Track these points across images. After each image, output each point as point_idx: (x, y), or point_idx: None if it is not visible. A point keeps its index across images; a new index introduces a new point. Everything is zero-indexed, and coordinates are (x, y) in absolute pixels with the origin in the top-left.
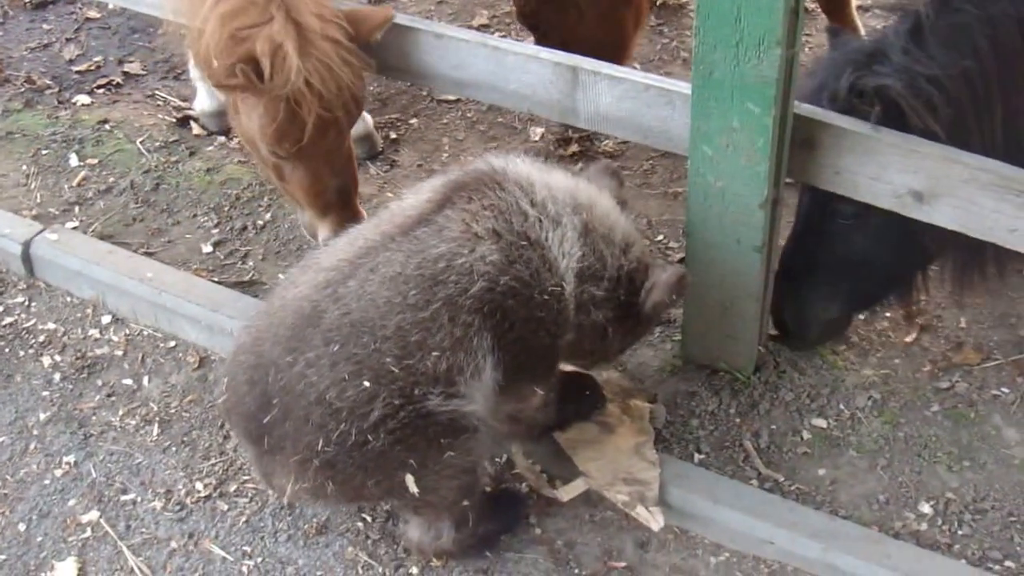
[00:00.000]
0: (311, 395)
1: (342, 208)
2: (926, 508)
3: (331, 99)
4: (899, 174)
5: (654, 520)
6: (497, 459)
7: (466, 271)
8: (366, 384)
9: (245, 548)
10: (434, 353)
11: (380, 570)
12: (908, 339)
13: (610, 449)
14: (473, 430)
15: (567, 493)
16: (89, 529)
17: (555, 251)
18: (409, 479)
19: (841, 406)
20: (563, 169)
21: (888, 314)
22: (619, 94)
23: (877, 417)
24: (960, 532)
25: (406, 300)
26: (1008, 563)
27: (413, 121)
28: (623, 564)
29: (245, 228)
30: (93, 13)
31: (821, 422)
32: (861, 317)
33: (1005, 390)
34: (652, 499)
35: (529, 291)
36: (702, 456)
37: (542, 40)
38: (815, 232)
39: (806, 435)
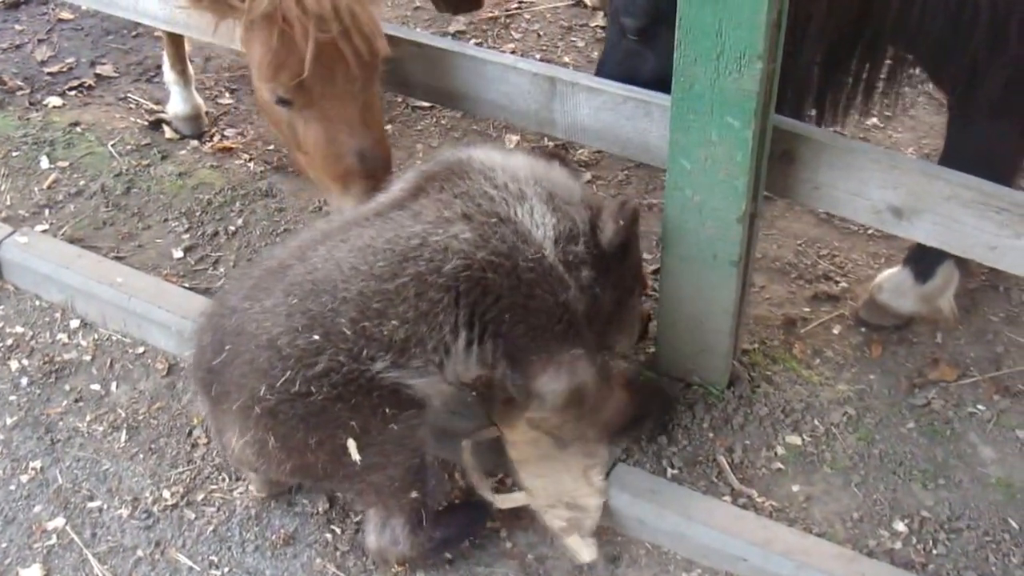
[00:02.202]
0: (261, 338)
1: (367, 179)
2: (901, 526)
3: (328, 20)
4: (879, 189)
5: (585, 551)
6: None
7: (440, 248)
8: (315, 337)
9: (212, 558)
10: (392, 322)
11: None
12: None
13: (558, 468)
14: (419, 408)
15: (504, 502)
16: (55, 536)
17: (527, 223)
18: (351, 444)
19: (816, 422)
20: (518, 151)
21: (862, 329)
22: (597, 105)
23: (852, 433)
24: (935, 551)
25: (371, 270)
26: None
27: (387, 127)
28: None
29: (216, 234)
30: (66, 14)
31: (795, 438)
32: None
33: (981, 407)
34: (589, 528)
35: (511, 262)
36: (675, 471)
37: None
38: (615, 48)
39: (780, 451)
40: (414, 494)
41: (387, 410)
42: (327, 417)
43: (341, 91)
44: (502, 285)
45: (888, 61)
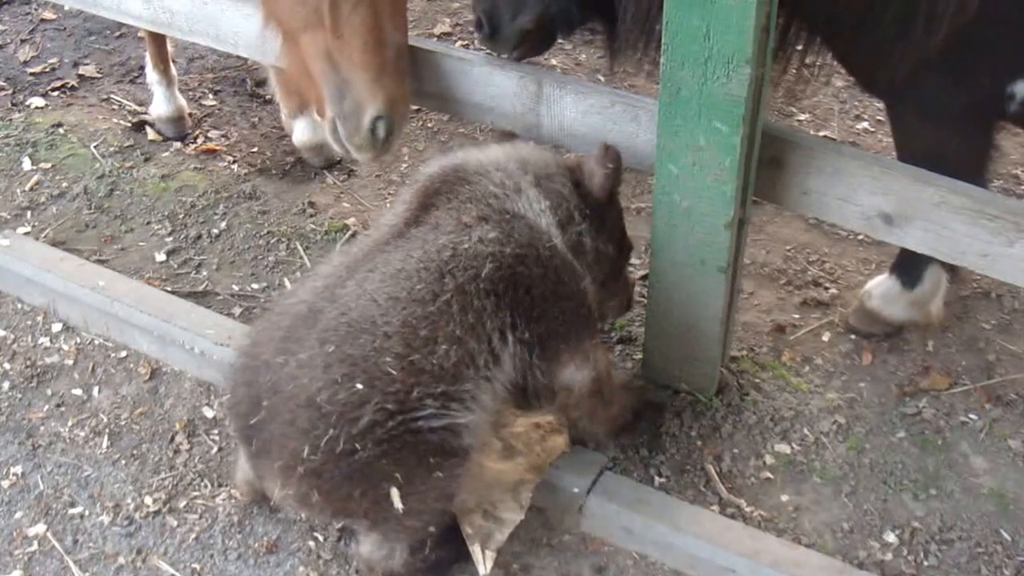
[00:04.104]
0: (300, 397)
1: (398, 74)
2: (891, 537)
3: None
4: (869, 196)
5: (483, 564)
6: None
7: (472, 255)
8: (358, 386)
9: (194, 565)
10: (443, 347)
11: None
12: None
13: (493, 475)
14: (463, 455)
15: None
16: (35, 543)
17: (532, 215)
18: (395, 493)
19: (805, 430)
20: (494, 143)
21: (852, 336)
22: (584, 109)
23: (842, 442)
24: (926, 563)
25: (411, 295)
26: None
27: None
28: None
29: (200, 237)
30: (49, 14)
31: (784, 447)
32: (564, 41)
33: (973, 416)
34: (497, 543)
35: (534, 252)
36: (662, 480)
37: None
38: None
39: (769, 460)
40: (431, 529)
41: (432, 459)
42: (372, 471)
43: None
44: (532, 275)
45: (799, 46)
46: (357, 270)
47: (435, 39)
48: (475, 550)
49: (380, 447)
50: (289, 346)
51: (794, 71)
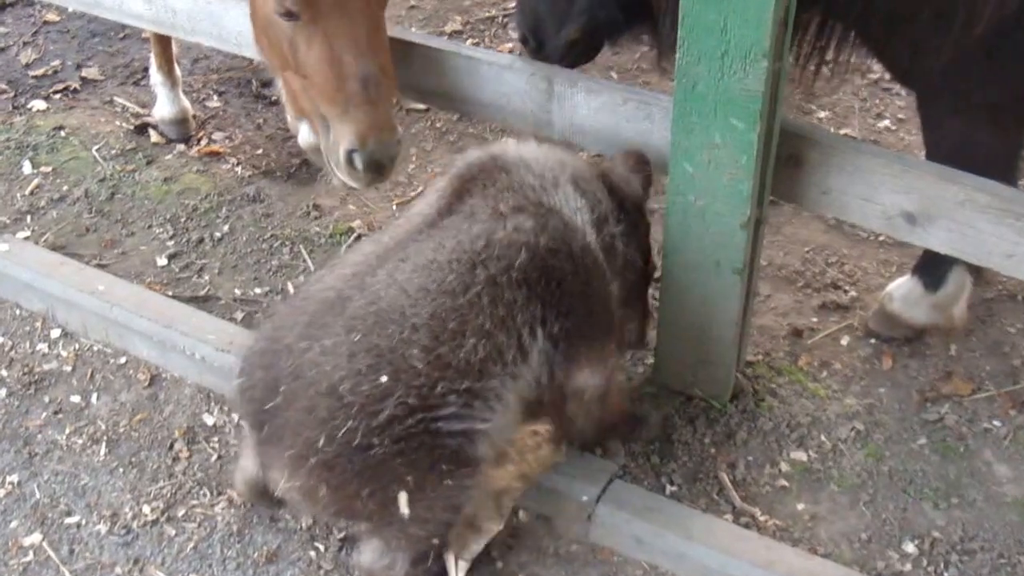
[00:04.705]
0: (321, 385)
1: (368, 105)
2: (911, 547)
3: None
4: (891, 195)
5: (454, 572)
6: None
7: (506, 244)
8: (383, 379)
9: (192, 575)
10: (471, 340)
11: None
12: None
13: (481, 483)
14: (476, 465)
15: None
16: (31, 552)
17: (567, 211)
18: (403, 498)
19: (822, 437)
20: (530, 139)
21: (872, 340)
22: (596, 107)
23: (860, 449)
24: (946, 574)
25: (441, 286)
26: None
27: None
28: None
29: (202, 240)
30: (52, 16)
31: (801, 454)
32: (612, 49)
33: (997, 423)
34: (472, 553)
35: (567, 247)
36: (674, 488)
37: None
38: None
39: (785, 467)
40: (435, 541)
41: (445, 467)
42: (384, 470)
43: (352, 7)
44: (564, 270)
45: (831, 41)
46: (388, 259)
47: (446, 37)
48: (448, 559)
49: (397, 445)
50: (314, 332)
51: (814, 68)
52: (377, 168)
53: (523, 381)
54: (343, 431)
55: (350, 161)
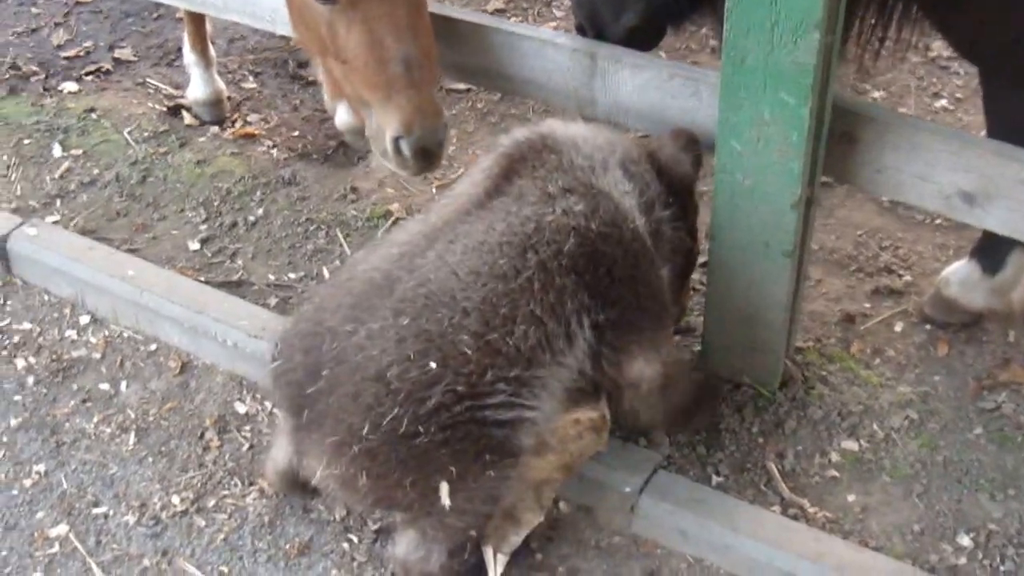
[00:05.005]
0: (368, 370)
1: (410, 90)
2: (965, 540)
3: None
4: (948, 173)
5: (494, 568)
6: None
7: (556, 229)
8: (432, 365)
9: (222, 568)
10: (521, 327)
11: None
12: None
13: (521, 473)
14: (518, 456)
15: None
16: (57, 544)
17: (617, 194)
18: (444, 488)
19: (874, 426)
20: (577, 119)
21: (927, 326)
22: (641, 83)
23: (914, 439)
24: (1002, 568)
25: (493, 270)
26: None
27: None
28: None
29: (235, 224)
30: None
31: (852, 444)
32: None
33: None
34: (511, 546)
35: (617, 231)
36: (720, 479)
37: None
38: None
39: (835, 457)
40: (472, 533)
41: (488, 457)
42: (428, 460)
43: None
44: (614, 255)
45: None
46: (437, 240)
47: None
48: (487, 552)
49: (443, 433)
50: (359, 314)
51: (874, 45)
52: (425, 155)
53: (568, 371)
54: (389, 418)
55: (397, 149)
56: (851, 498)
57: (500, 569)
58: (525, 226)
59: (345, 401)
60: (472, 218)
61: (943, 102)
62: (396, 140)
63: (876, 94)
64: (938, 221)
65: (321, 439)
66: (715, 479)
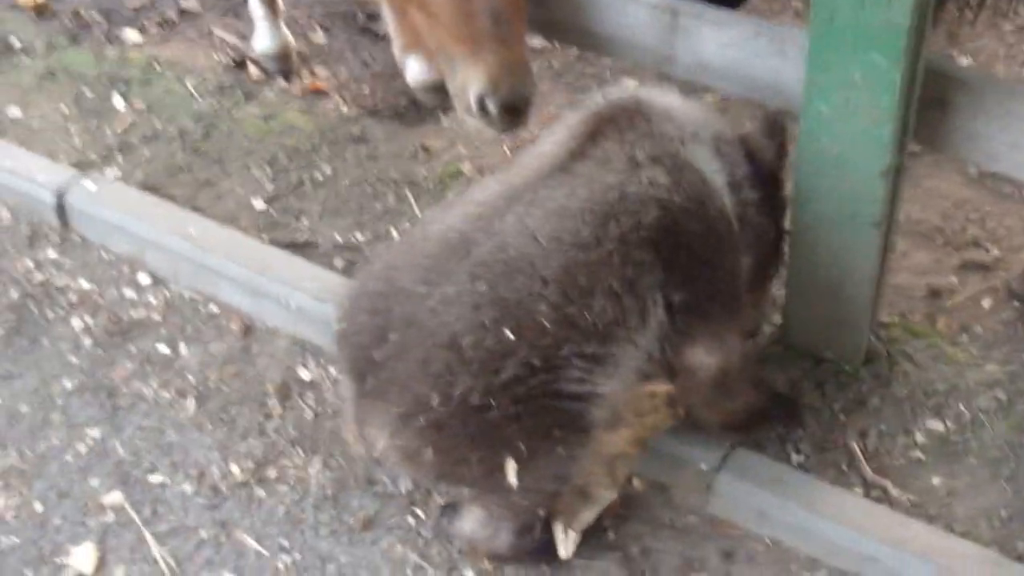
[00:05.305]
0: (441, 336)
1: (501, 45)
2: None
3: None
4: None
5: (564, 546)
6: None
7: (639, 200)
8: (507, 334)
9: (282, 541)
10: (599, 300)
11: (431, 572)
12: None
13: (594, 447)
14: (589, 431)
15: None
16: (111, 512)
17: (706, 170)
18: (512, 466)
19: (961, 406)
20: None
21: (1016, 304)
22: (724, 41)
23: (1002, 421)
24: None
25: (575, 238)
26: None
27: None
28: None
29: (302, 183)
30: None
31: (937, 424)
32: None
33: None
34: (583, 523)
35: (702, 208)
36: (801, 458)
37: None
38: None
39: (920, 438)
40: (540, 512)
41: (558, 433)
42: (497, 434)
43: None
44: (695, 232)
45: None
46: (517, 202)
47: None
48: (557, 529)
49: (515, 407)
50: (433, 276)
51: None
52: (512, 113)
53: (640, 351)
54: (460, 389)
55: (482, 106)
56: (936, 481)
57: (572, 547)
58: (608, 194)
59: (413, 368)
60: (554, 181)
61: None
62: (481, 97)
63: (963, 60)
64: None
65: (385, 408)
66: (795, 458)
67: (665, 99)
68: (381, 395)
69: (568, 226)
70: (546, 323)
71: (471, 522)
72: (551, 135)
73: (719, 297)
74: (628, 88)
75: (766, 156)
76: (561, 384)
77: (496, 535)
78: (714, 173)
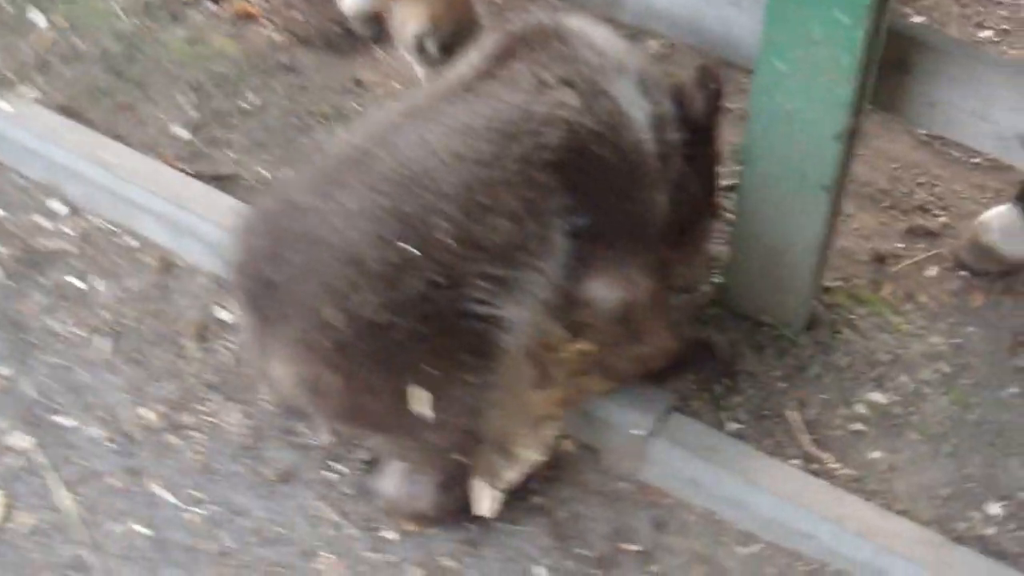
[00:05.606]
0: (339, 249)
1: None
2: (995, 508)
3: None
4: (1009, 113)
5: (484, 503)
6: None
7: (544, 120)
8: (411, 249)
9: (195, 492)
10: (500, 220)
11: (349, 531)
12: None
13: (518, 403)
14: (499, 358)
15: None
16: (18, 456)
17: (624, 101)
18: (425, 396)
19: (903, 378)
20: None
21: (962, 273)
22: None
23: (945, 395)
24: None
25: (476, 155)
26: None
27: None
28: (636, 547)
29: (227, 112)
30: None
31: (879, 395)
32: None
33: None
34: (506, 483)
35: (614, 136)
36: (738, 426)
37: None
38: None
39: (861, 409)
40: (463, 459)
41: (468, 357)
42: (404, 358)
43: None
44: (607, 159)
45: None
46: (417, 118)
47: None
48: (478, 486)
49: (420, 326)
50: (331, 190)
51: None
52: (452, 53)
53: (548, 278)
54: (363, 306)
55: (421, 45)
56: (876, 455)
57: (493, 506)
58: (512, 113)
59: (313, 286)
60: (459, 100)
61: (988, 32)
62: (421, 36)
63: (917, 19)
64: (976, 160)
65: (285, 332)
66: (731, 425)
67: (589, 28)
68: (280, 320)
69: (469, 143)
70: (447, 239)
71: (392, 478)
72: (464, 57)
73: (627, 230)
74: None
75: (696, 106)
76: (465, 303)
77: (418, 493)
78: (633, 106)
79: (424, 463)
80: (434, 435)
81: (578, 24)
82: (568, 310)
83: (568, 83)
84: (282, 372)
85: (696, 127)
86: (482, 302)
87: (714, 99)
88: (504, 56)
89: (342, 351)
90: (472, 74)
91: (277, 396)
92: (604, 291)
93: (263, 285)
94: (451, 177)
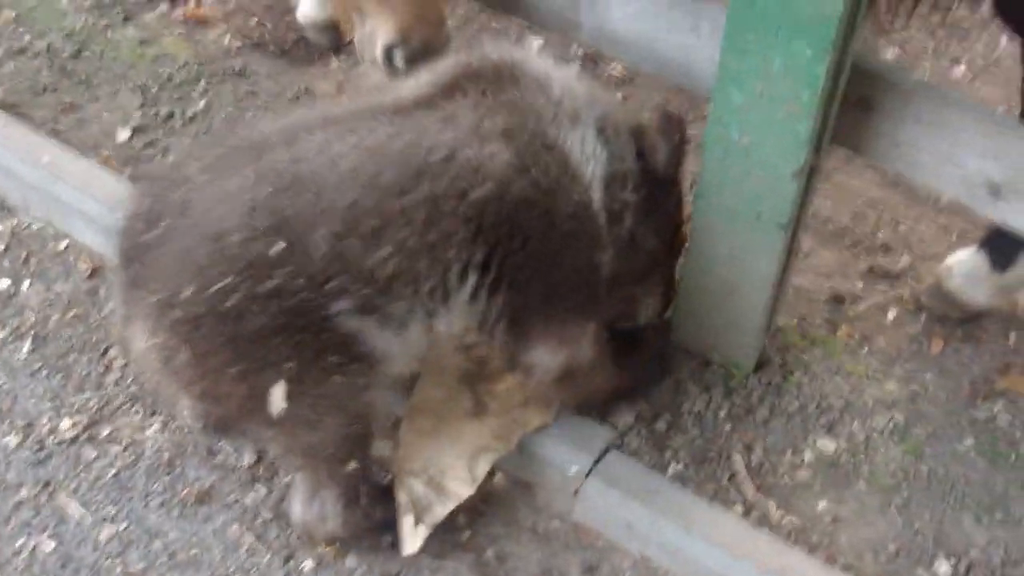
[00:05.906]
0: (211, 227)
1: None
2: (944, 567)
3: None
4: (976, 158)
5: (410, 542)
6: None
7: (470, 168)
8: (280, 244)
9: (108, 509)
10: (386, 249)
11: (267, 558)
12: None
13: (451, 434)
14: (371, 365)
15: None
16: None
17: (575, 156)
18: (279, 388)
19: (855, 425)
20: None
21: (922, 317)
22: (634, 11)
23: (897, 444)
24: None
25: (376, 178)
26: None
27: None
28: None
29: (172, 115)
30: None
31: (829, 443)
32: None
33: None
34: (433, 520)
35: (549, 201)
36: (679, 467)
37: None
38: None
39: (809, 456)
40: (352, 466)
41: (333, 359)
42: (260, 348)
43: None
44: (535, 228)
45: None
46: (335, 125)
47: None
48: (405, 522)
49: (279, 319)
50: (219, 167)
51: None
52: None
53: (438, 322)
54: (219, 285)
55: (389, 57)
56: (822, 505)
57: (418, 542)
58: (434, 151)
59: (177, 256)
60: (386, 120)
61: (961, 69)
62: (390, 48)
63: (890, 51)
64: (943, 201)
65: (145, 297)
66: (673, 467)
67: (549, 69)
68: (143, 283)
69: (374, 165)
70: (321, 248)
71: (297, 502)
72: (414, 79)
73: (564, 297)
74: (524, 48)
75: (658, 156)
76: (330, 313)
77: (324, 512)
78: (586, 161)
79: (313, 470)
80: (309, 435)
81: (539, 66)
82: (511, 372)
83: (508, 136)
84: (140, 339)
85: (655, 179)
86: (349, 316)
87: (678, 150)
88: (451, 88)
89: (196, 327)
90: (411, 97)
91: (136, 365)
92: (546, 357)
93: (136, 248)
94: (340, 190)
